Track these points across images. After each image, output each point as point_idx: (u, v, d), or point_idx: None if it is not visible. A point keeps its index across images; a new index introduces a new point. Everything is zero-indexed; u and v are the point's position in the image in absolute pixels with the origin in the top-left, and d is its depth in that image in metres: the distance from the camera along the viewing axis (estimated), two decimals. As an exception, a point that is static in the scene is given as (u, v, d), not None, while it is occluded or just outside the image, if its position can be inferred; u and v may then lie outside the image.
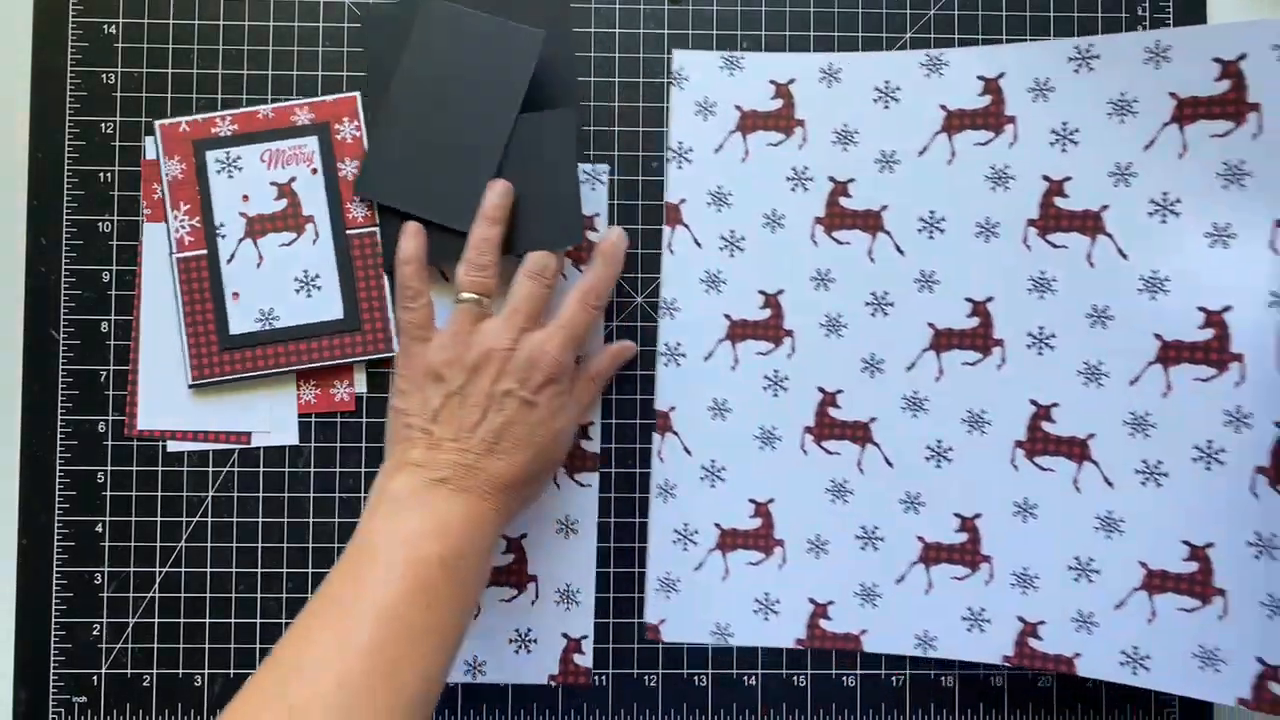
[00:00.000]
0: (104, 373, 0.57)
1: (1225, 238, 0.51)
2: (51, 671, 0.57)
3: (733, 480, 0.58)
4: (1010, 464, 0.55)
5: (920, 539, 0.56)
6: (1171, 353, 0.52)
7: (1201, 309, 0.52)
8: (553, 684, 0.58)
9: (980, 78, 0.54)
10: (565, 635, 0.58)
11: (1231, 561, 0.51)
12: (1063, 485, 0.54)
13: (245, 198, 0.57)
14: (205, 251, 0.57)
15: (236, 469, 0.58)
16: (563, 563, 0.58)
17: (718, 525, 0.58)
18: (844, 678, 0.58)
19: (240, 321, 0.57)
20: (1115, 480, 0.53)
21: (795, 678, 0.58)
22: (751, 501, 0.58)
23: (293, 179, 0.57)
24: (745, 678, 0.58)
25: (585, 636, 0.58)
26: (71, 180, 0.58)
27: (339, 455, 0.58)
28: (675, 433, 0.58)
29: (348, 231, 0.58)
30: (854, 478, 0.57)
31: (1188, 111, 0.52)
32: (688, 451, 0.58)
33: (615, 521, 0.59)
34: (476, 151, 0.55)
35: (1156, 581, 0.53)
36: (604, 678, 0.58)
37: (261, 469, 0.58)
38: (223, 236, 0.57)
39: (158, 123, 0.57)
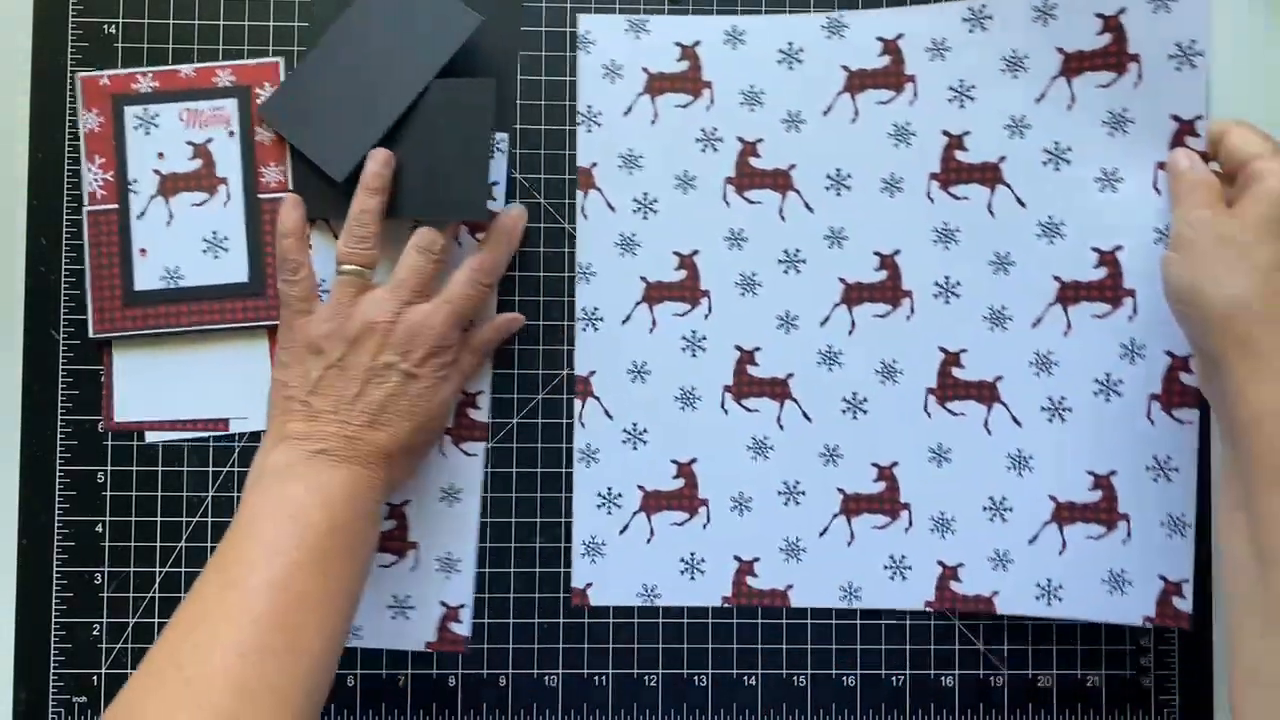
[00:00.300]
0: (103, 373, 0.57)
1: (1113, 182, 0.54)
2: (51, 671, 0.57)
3: (654, 442, 0.58)
4: (923, 411, 0.56)
5: (840, 491, 0.57)
6: (1070, 293, 0.54)
7: (1095, 249, 0.54)
8: (428, 650, 0.57)
9: (880, 39, 0.56)
10: (444, 603, 0.58)
11: (1133, 487, 0.54)
12: (974, 428, 0.56)
13: (160, 155, 0.57)
14: (116, 206, 0.57)
15: (236, 469, 0.58)
16: (444, 531, 0.58)
17: (641, 487, 0.58)
18: (844, 678, 0.57)
19: (145, 278, 0.57)
20: (1023, 419, 0.55)
21: (795, 678, 0.58)
22: (674, 462, 0.58)
23: (209, 140, 0.57)
24: (745, 678, 0.58)
25: (463, 605, 0.58)
26: (71, 180, 0.57)
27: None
28: (596, 397, 0.58)
29: (260, 196, 0.57)
30: (774, 434, 0.57)
31: (1074, 65, 0.54)
32: (608, 415, 0.58)
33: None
34: (374, 111, 0.55)
35: (1065, 513, 0.55)
36: (604, 678, 0.58)
37: None
38: (135, 193, 0.57)
39: (79, 75, 0.57)
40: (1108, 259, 0.54)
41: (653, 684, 0.58)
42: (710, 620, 0.58)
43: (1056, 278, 0.55)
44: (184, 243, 0.57)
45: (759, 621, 0.58)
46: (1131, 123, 0.54)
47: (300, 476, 0.48)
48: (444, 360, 0.52)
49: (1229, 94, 0.55)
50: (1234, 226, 0.47)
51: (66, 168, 0.57)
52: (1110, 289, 0.54)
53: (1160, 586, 0.53)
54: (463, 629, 0.58)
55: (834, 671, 0.57)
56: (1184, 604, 0.53)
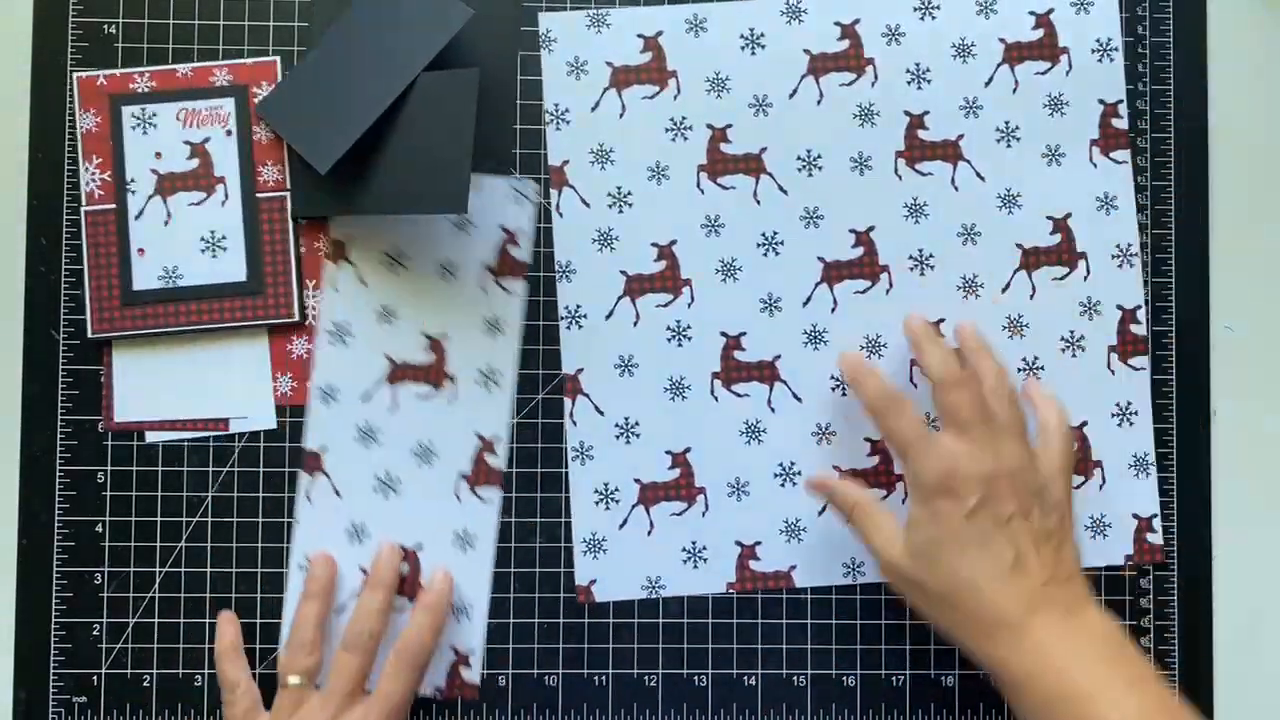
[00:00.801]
0: (104, 373, 0.56)
1: (1057, 157, 0.58)
2: (51, 671, 0.56)
3: (647, 435, 0.57)
4: (910, 382, 0.58)
5: (836, 469, 0.58)
6: (1031, 259, 0.58)
7: (1049, 217, 0.58)
8: (438, 697, 0.56)
9: (837, 24, 0.58)
10: (454, 649, 0.56)
11: (1102, 434, 0.58)
12: (957, 393, 0.58)
13: (158, 155, 0.57)
14: (114, 206, 0.57)
15: (236, 469, 0.57)
16: (457, 577, 0.56)
17: (637, 481, 0.57)
18: (844, 678, 0.57)
19: (144, 278, 0.56)
20: (1002, 380, 0.58)
21: (795, 678, 0.57)
22: (668, 453, 0.57)
23: (207, 139, 0.57)
24: (745, 678, 0.57)
25: (473, 651, 0.56)
26: (71, 180, 0.57)
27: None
28: (585, 394, 0.57)
29: (258, 195, 0.56)
30: (766, 417, 0.58)
31: (1014, 54, 0.58)
32: (599, 412, 0.57)
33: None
34: (362, 104, 0.53)
35: (1053, 465, 0.58)
36: (604, 678, 0.57)
37: (261, 469, 0.57)
38: (133, 192, 0.56)
39: (76, 75, 0.57)
40: (1061, 225, 0.58)
41: (653, 684, 0.57)
42: (710, 620, 0.57)
43: (1019, 245, 0.58)
44: (182, 242, 0.56)
45: (759, 621, 0.57)
46: (1067, 104, 0.58)
47: None
48: None
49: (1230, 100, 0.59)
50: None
51: (66, 168, 0.57)
52: (1066, 253, 0.58)
53: (1134, 525, 0.57)
54: (472, 676, 0.56)
55: (834, 671, 0.58)
56: (1155, 538, 0.57)
